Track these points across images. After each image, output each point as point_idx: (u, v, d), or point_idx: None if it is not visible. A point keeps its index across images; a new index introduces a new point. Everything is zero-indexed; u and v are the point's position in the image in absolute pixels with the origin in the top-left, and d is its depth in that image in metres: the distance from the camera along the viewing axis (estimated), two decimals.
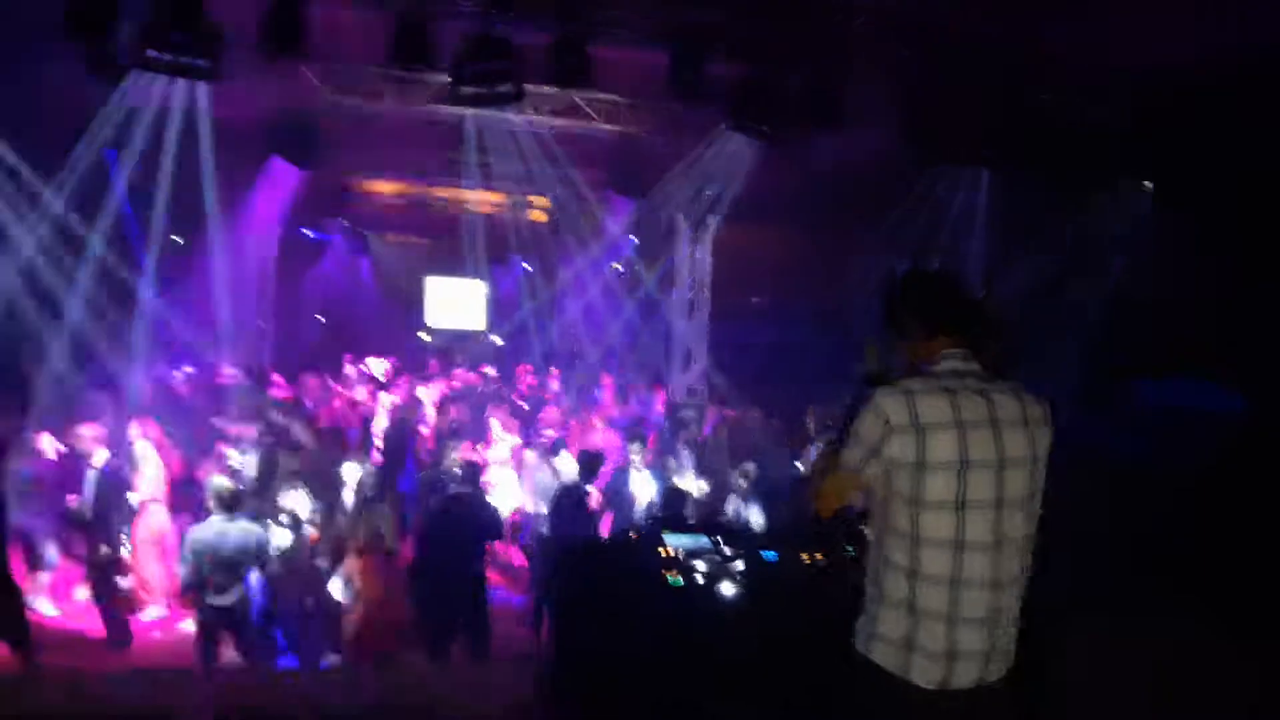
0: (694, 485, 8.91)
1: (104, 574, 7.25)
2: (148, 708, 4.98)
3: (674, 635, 4.60)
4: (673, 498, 7.21)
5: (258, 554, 6.03)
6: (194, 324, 11.18)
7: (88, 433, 7.14)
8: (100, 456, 7.19)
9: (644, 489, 8.36)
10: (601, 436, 9.91)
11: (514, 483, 9.27)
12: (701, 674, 4.40)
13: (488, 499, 7.65)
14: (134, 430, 8.12)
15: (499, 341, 18.98)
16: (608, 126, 11.10)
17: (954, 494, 2.53)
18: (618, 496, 8.25)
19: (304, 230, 15.10)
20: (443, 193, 15.89)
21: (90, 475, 7.14)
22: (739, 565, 5.01)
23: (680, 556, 5.05)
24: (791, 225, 11.34)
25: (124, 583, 7.91)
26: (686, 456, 9.64)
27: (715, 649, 4.52)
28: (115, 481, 7.21)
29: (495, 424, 10.37)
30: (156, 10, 7.23)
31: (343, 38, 8.77)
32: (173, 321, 10.69)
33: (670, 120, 11.03)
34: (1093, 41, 7.98)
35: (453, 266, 19.93)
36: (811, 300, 11.42)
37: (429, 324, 19.66)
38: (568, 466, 8.60)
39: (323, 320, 20.19)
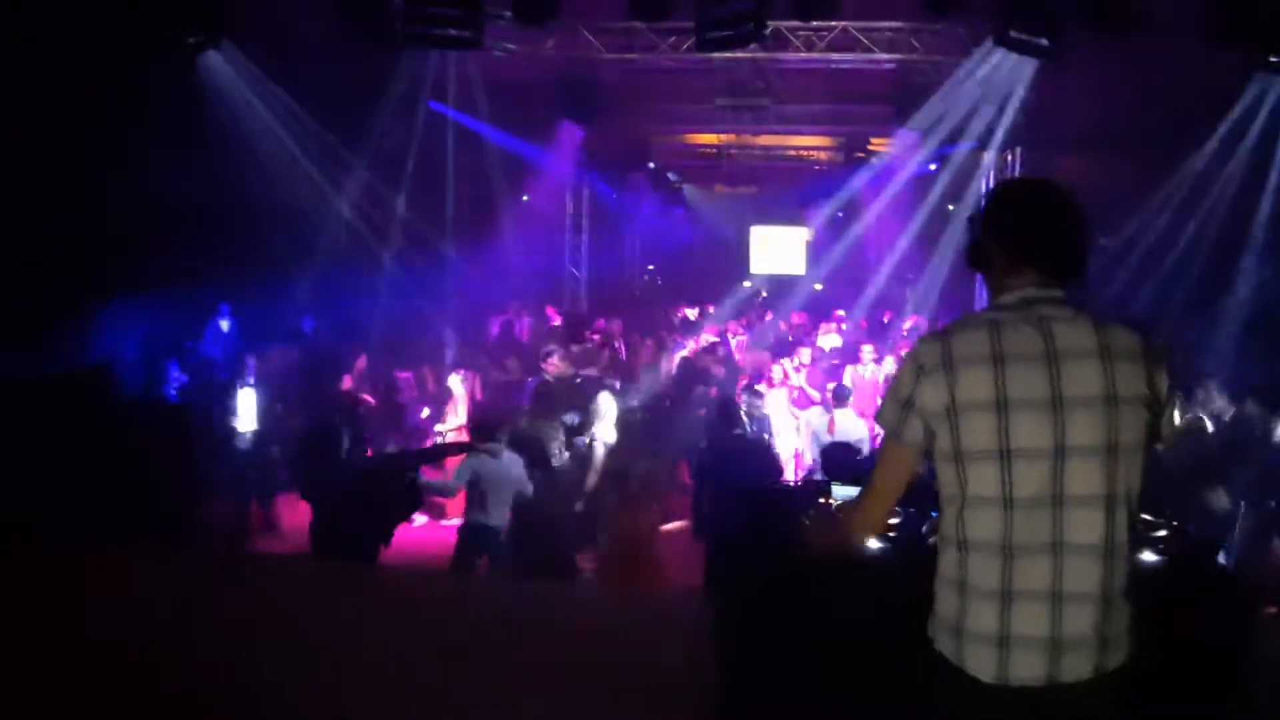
0: None
1: None
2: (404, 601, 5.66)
3: (794, 583, 4.46)
4: None
5: (519, 483, 6.52)
6: (499, 276, 12.28)
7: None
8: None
9: None
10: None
11: (790, 428, 9.25)
12: (805, 628, 4.22)
13: (767, 440, 7.70)
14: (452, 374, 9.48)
15: (818, 287, 18.79)
16: (888, 55, 10.44)
17: (995, 440, 2.12)
18: None
19: (613, 184, 15.93)
20: (755, 140, 15.95)
21: None
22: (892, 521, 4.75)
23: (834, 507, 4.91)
24: (1102, 154, 9.87)
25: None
26: None
27: (830, 604, 4.30)
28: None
29: (778, 369, 10.44)
30: None
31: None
32: (477, 274, 11.83)
33: (957, 45, 10.12)
34: None
35: (772, 214, 20.02)
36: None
37: (752, 271, 19.93)
38: (848, 420, 8.26)
39: (651, 269, 21.36)
